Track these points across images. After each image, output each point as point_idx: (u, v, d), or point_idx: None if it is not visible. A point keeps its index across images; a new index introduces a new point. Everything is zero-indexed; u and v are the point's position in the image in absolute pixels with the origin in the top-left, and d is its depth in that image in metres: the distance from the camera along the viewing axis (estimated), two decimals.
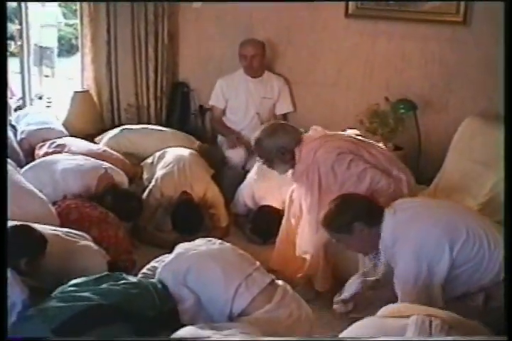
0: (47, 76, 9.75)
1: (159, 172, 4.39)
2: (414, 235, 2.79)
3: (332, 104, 4.98)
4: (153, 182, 4.35)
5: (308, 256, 3.54)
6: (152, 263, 3.02)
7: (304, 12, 4.94)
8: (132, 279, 2.70)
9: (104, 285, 2.57)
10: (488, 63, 4.33)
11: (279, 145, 3.44)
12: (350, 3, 4.69)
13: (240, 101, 5.04)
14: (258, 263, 2.93)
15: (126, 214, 3.96)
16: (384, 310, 2.12)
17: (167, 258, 2.94)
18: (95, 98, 5.44)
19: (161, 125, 5.26)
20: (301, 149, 3.41)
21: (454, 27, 4.41)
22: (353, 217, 2.87)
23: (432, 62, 4.55)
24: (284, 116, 5.13)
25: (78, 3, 5.11)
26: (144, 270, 3.02)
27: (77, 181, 3.97)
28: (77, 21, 5.22)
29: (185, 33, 5.55)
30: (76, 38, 5.38)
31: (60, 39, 10.15)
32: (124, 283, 2.60)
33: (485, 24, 4.29)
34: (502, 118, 4.08)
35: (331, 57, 4.93)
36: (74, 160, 4.17)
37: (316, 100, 5.06)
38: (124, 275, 2.73)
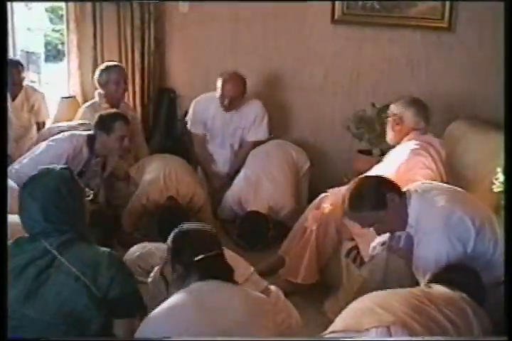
0: (33, 81, 9.69)
1: (145, 177, 4.38)
2: (440, 213, 2.77)
3: (318, 109, 4.99)
4: (139, 188, 4.34)
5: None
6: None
7: (291, 17, 4.95)
8: (65, 269, 2.15)
9: (32, 306, 2.11)
10: (473, 68, 4.38)
11: (394, 111, 3.73)
12: (336, 8, 4.70)
13: (215, 131, 4.91)
14: (253, 268, 2.93)
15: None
16: (342, 321, 2.09)
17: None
18: (82, 104, 5.41)
19: (147, 130, 5.27)
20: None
21: (439, 32, 4.44)
22: (384, 188, 2.82)
23: (418, 68, 4.58)
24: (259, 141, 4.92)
25: (64, 8, 5.09)
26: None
27: (65, 144, 4.03)
28: (64, 27, 5.20)
29: (171, 38, 5.54)
30: (62, 43, 5.34)
31: (46, 44, 10.11)
32: (57, 286, 2.11)
33: (469, 29, 4.34)
34: (487, 122, 4.14)
35: (317, 62, 4.94)
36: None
37: (303, 105, 5.06)
38: (55, 259, 2.17)
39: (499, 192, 3.17)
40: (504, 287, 1.88)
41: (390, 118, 3.76)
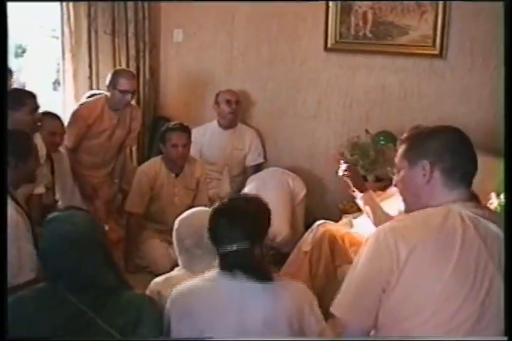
0: None
1: None
2: None
3: (313, 136, 5.02)
4: None
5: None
6: None
7: (284, 45, 5.01)
8: (103, 331, 1.97)
9: None
10: (464, 94, 4.42)
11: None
12: (329, 37, 4.76)
13: (211, 152, 5.06)
14: None
15: None
16: None
17: None
18: None
19: (142, 158, 5.29)
20: None
21: (431, 59, 4.49)
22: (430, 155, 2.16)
23: (410, 94, 4.62)
24: (257, 165, 5.17)
25: (60, 38, 5.14)
26: None
27: None
28: (59, 56, 5.24)
29: (166, 67, 5.60)
30: (57, 72, 5.38)
31: None
32: None
33: (460, 56, 4.39)
34: (480, 147, 4.15)
35: (311, 89, 4.99)
36: None
37: (297, 132, 5.09)
38: (91, 319, 2.00)
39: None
40: (504, 287, 1.84)
41: None
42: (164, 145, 4.31)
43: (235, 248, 2.18)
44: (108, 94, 4.66)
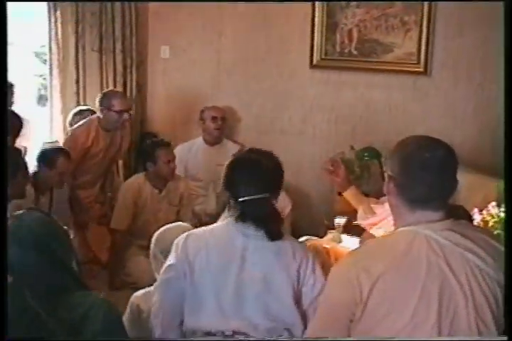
0: None
1: None
2: None
3: (298, 153, 5.04)
4: None
5: None
6: None
7: (271, 62, 5.05)
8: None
9: None
10: (449, 110, 4.47)
11: None
12: (314, 54, 4.82)
13: (196, 169, 5.06)
14: None
15: None
16: None
17: None
18: None
19: (129, 175, 5.30)
20: None
21: (415, 76, 4.54)
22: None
23: (395, 110, 4.67)
24: None
25: (48, 54, 5.15)
26: None
27: None
28: (47, 72, 5.25)
29: (153, 83, 5.62)
30: (45, 88, 5.39)
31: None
32: None
33: (444, 73, 4.45)
34: (464, 163, 4.20)
35: (297, 105, 5.03)
36: None
37: (283, 148, 5.08)
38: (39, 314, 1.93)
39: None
40: (504, 287, 1.81)
41: None
42: (154, 163, 4.27)
43: (253, 196, 2.22)
44: (100, 115, 4.66)
